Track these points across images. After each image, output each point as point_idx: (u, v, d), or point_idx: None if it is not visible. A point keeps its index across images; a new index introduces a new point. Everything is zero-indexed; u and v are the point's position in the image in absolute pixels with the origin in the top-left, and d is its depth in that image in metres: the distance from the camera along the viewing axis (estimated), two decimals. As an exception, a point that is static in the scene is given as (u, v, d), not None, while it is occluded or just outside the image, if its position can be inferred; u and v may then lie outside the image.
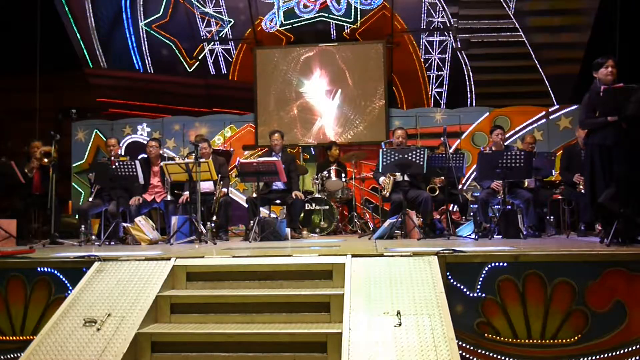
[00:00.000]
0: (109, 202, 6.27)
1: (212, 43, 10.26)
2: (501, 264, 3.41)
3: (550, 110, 9.08)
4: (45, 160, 6.24)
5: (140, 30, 10.22)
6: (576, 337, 3.30)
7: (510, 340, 3.34)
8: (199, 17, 10.17)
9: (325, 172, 7.51)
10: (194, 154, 5.81)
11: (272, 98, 9.56)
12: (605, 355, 3.26)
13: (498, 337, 3.34)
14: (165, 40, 10.25)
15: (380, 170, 5.92)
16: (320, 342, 3.02)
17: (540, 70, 9.61)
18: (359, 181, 8.20)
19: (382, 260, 3.52)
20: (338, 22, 9.95)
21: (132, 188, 6.15)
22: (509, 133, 8.84)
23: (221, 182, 6.24)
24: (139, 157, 7.15)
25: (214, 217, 6.02)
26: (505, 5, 9.58)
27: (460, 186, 7.38)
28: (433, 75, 10.00)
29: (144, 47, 10.27)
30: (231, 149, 9.14)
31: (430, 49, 9.98)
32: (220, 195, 6.12)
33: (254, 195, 6.24)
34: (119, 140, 7.41)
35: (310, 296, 3.35)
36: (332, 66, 9.53)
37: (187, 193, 5.95)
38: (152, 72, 10.31)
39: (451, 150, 7.48)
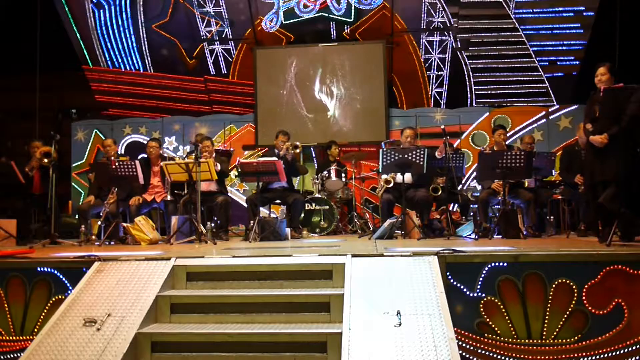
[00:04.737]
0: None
1: (212, 43, 10.27)
2: (501, 264, 3.41)
3: (550, 110, 9.09)
4: (45, 160, 6.23)
5: (140, 30, 10.22)
6: (576, 337, 3.30)
7: (510, 340, 3.34)
8: (199, 17, 10.17)
9: (325, 172, 7.51)
10: (194, 154, 5.81)
11: (272, 98, 9.57)
12: (605, 355, 3.26)
13: (498, 337, 3.34)
14: (165, 40, 10.25)
15: (380, 171, 5.92)
16: (320, 342, 3.02)
17: (540, 70, 9.62)
18: (359, 181, 8.20)
19: (382, 260, 3.52)
20: (338, 22, 9.95)
21: (132, 188, 6.14)
22: (509, 133, 8.84)
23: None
24: (139, 157, 7.15)
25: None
26: (505, 5, 9.59)
27: (460, 186, 7.37)
28: (433, 75, 10.01)
29: (144, 47, 10.27)
30: (231, 149, 9.13)
31: (430, 49, 9.98)
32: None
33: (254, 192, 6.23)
34: (115, 140, 7.40)
35: (310, 296, 3.35)
36: (332, 66, 9.53)
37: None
38: (152, 72, 10.32)
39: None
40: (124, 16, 10.21)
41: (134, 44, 10.27)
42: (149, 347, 3.12)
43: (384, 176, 6.20)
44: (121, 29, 10.23)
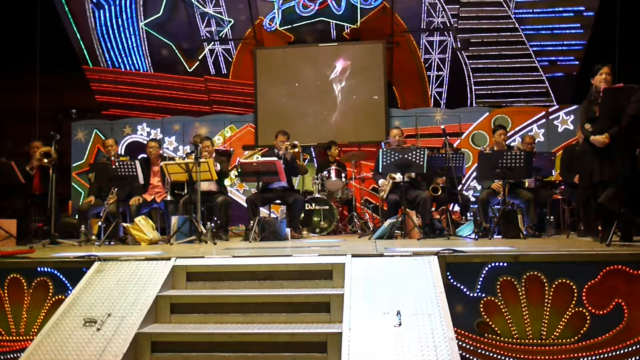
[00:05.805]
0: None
1: (212, 43, 10.27)
2: (501, 264, 3.41)
3: (550, 110, 9.09)
4: (45, 160, 6.23)
5: (140, 30, 10.22)
6: (576, 337, 3.30)
7: (510, 340, 3.34)
8: (199, 17, 10.17)
9: (325, 172, 7.51)
10: (194, 154, 5.81)
11: (272, 98, 9.57)
12: (605, 355, 3.26)
13: (498, 337, 3.34)
14: (165, 40, 10.25)
15: (380, 171, 5.91)
16: (320, 342, 3.02)
17: (540, 70, 9.62)
18: (359, 181, 8.20)
19: (382, 260, 3.52)
20: (338, 22, 9.95)
21: (132, 188, 6.15)
22: (509, 133, 8.84)
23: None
24: (139, 157, 7.16)
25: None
26: (505, 5, 9.60)
27: (460, 186, 7.38)
28: (433, 75, 10.01)
29: (144, 47, 10.27)
30: (231, 149, 9.14)
31: (430, 49, 9.99)
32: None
33: (254, 191, 6.23)
34: (116, 140, 7.42)
35: (310, 296, 3.34)
36: (332, 66, 9.53)
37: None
38: (152, 72, 10.32)
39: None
40: (124, 16, 10.22)
41: (134, 44, 10.27)
42: (149, 347, 3.12)
43: (381, 181, 6.20)
44: (121, 29, 10.24)
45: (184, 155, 8.44)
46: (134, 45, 10.27)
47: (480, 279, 3.40)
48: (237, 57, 10.28)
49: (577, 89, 9.20)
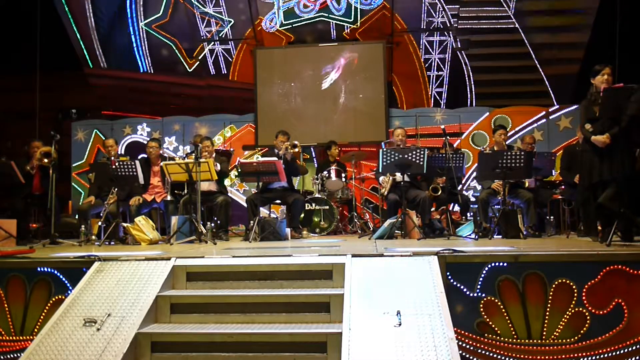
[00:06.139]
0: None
1: (212, 43, 10.27)
2: (501, 264, 3.41)
3: (550, 110, 9.09)
4: (45, 160, 6.23)
5: (140, 30, 10.22)
6: (576, 337, 3.30)
7: (510, 340, 3.34)
8: (199, 17, 10.18)
9: (325, 172, 7.51)
10: (194, 154, 5.81)
11: (272, 98, 9.57)
12: (605, 355, 3.26)
13: (498, 337, 3.34)
14: (165, 40, 10.26)
15: (380, 171, 5.91)
16: (320, 342, 3.02)
17: (540, 70, 9.63)
18: (359, 181, 8.20)
19: (382, 260, 3.52)
20: (338, 22, 9.96)
21: (132, 188, 6.15)
22: (509, 133, 8.83)
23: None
24: (139, 157, 7.16)
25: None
26: (505, 5, 9.60)
27: (460, 186, 7.37)
28: (433, 75, 10.01)
29: (144, 47, 10.27)
30: (231, 149, 9.13)
31: (430, 49, 9.99)
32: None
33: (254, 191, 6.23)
34: (117, 140, 7.43)
35: (310, 296, 3.35)
36: (332, 66, 9.53)
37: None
38: (152, 72, 10.32)
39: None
40: (124, 16, 10.21)
41: (134, 44, 10.27)
42: (149, 347, 3.12)
43: (381, 178, 6.20)
44: (121, 29, 10.24)
45: (184, 155, 8.44)
46: (134, 45, 10.27)
47: (480, 279, 3.40)
48: (237, 57, 10.28)
49: (577, 89, 9.20)
